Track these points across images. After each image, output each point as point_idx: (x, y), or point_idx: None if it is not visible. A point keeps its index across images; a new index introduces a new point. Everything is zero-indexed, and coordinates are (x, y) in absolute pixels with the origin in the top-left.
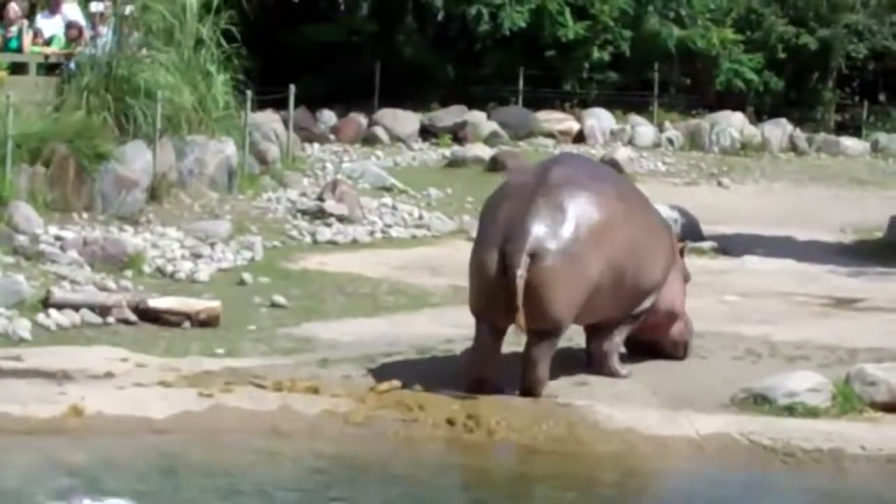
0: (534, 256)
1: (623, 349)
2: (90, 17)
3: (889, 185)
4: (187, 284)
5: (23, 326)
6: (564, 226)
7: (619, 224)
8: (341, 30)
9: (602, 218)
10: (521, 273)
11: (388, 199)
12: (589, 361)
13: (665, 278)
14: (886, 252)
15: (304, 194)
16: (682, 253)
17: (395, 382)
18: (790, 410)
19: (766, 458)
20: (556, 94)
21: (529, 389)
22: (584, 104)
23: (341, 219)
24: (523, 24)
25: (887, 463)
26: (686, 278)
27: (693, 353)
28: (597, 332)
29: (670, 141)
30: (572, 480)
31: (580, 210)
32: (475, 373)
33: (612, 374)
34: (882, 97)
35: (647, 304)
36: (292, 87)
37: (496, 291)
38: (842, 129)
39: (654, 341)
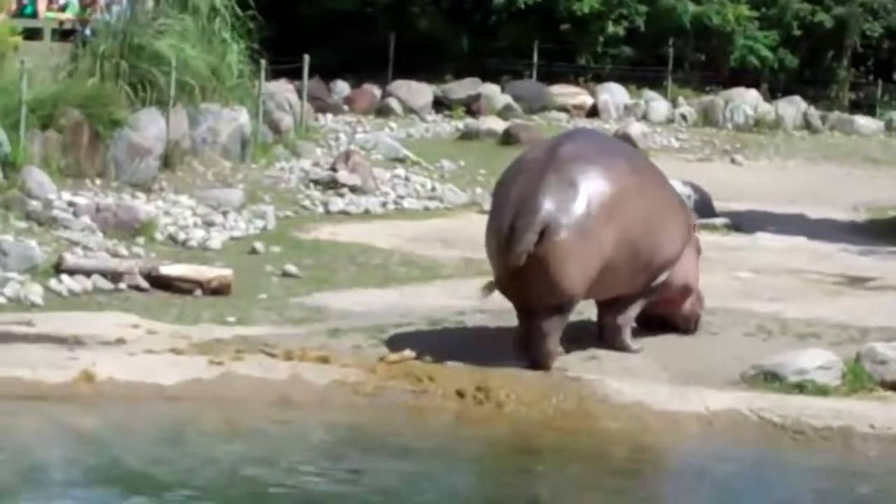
0: (545, 232)
1: (635, 324)
2: None
3: None
4: (199, 252)
5: (35, 292)
6: (575, 200)
7: (632, 198)
8: (356, 0)
9: (614, 192)
10: (521, 249)
11: (400, 171)
12: (600, 335)
13: (680, 253)
14: None
15: (316, 164)
16: (694, 227)
17: (406, 353)
18: (800, 388)
19: (775, 435)
20: (570, 68)
21: (538, 362)
22: (599, 79)
23: (354, 189)
24: None
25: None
26: (700, 252)
27: (704, 329)
28: (611, 305)
29: (684, 117)
30: (580, 454)
31: (591, 184)
32: (521, 354)
33: (624, 348)
34: None
35: (662, 278)
36: (306, 57)
37: (503, 267)
38: (856, 107)
39: (666, 315)
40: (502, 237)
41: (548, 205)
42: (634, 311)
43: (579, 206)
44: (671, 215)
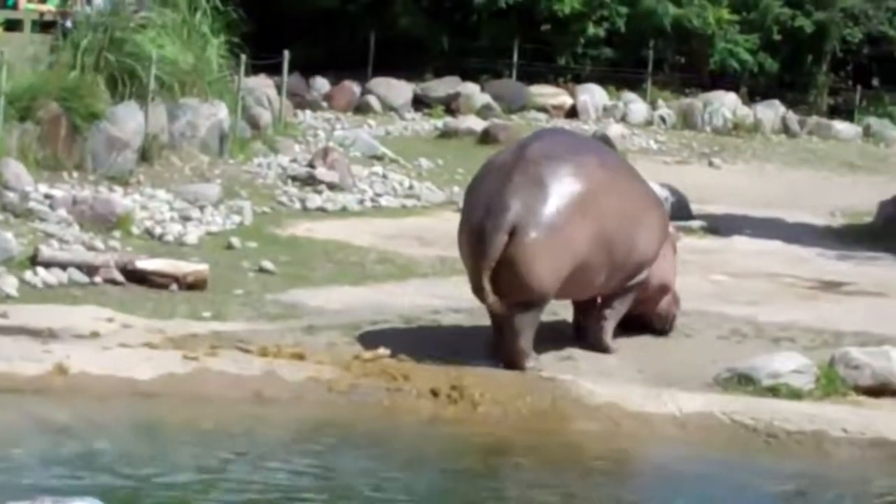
0: (514, 232)
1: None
2: None
3: (880, 170)
4: (175, 247)
5: (10, 283)
6: (543, 199)
7: (603, 196)
8: None
9: (583, 190)
10: (493, 253)
11: (378, 168)
12: (576, 335)
13: (658, 251)
14: (875, 236)
15: (294, 160)
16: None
17: (381, 351)
18: (774, 391)
19: (748, 438)
20: (550, 68)
21: (511, 361)
22: (578, 79)
23: (331, 186)
24: None
25: (869, 447)
26: (676, 251)
27: (679, 331)
28: (596, 306)
29: (663, 119)
30: (552, 454)
31: (559, 183)
32: (492, 353)
33: (604, 349)
34: (875, 82)
35: (642, 276)
36: (286, 53)
37: (473, 270)
38: (834, 112)
39: (642, 314)
40: (473, 239)
41: (516, 205)
42: (619, 311)
43: (547, 205)
44: (646, 213)
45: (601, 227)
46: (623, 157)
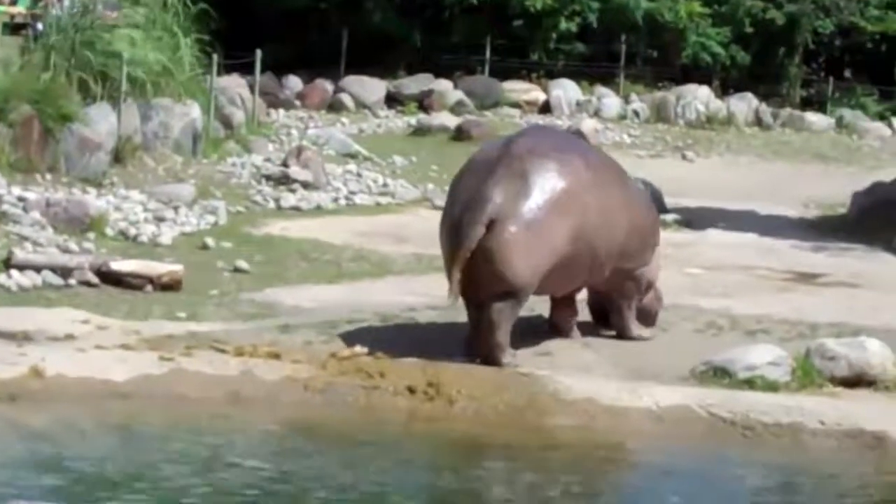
0: (492, 224)
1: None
2: None
3: (853, 161)
4: (150, 248)
5: None
6: (524, 194)
7: (586, 194)
8: None
9: (566, 187)
10: (468, 244)
11: (352, 166)
12: (551, 330)
13: (645, 248)
14: (849, 228)
15: (268, 160)
16: None
17: (357, 349)
18: (750, 384)
19: (725, 431)
20: (522, 64)
21: (488, 356)
22: (551, 75)
23: (305, 185)
24: None
25: (846, 438)
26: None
27: (655, 325)
28: (610, 310)
29: (636, 113)
30: (530, 449)
31: (542, 179)
32: (469, 349)
33: (634, 338)
34: (848, 73)
35: (640, 271)
36: (258, 52)
37: (449, 257)
38: (807, 104)
39: None
40: (452, 231)
41: (496, 198)
42: (631, 309)
43: (528, 200)
44: (630, 212)
45: (582, 225)
46: (606, 155)
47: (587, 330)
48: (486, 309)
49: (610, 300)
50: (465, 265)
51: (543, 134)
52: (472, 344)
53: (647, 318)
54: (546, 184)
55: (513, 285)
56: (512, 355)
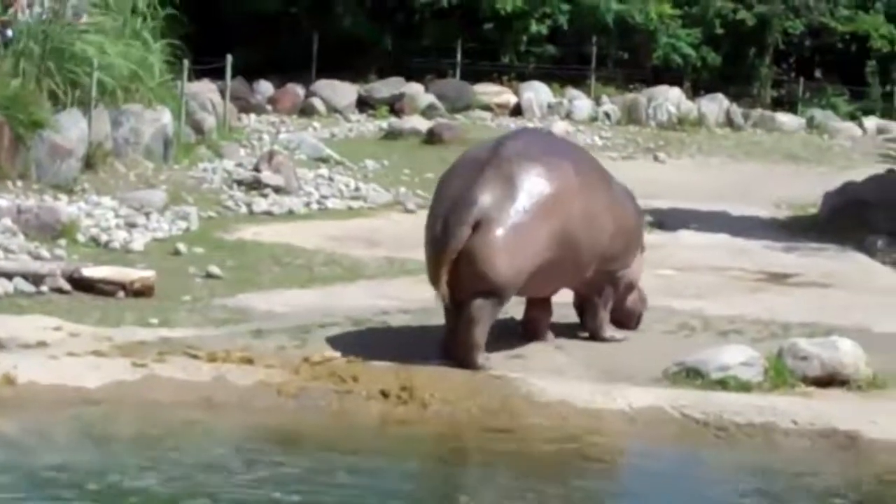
0: (478, 225)
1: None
2: None
3: (824, 161)
4: (122, 254)
5: None
6: (511, 196)
7: (572, 197)
8: (279, 0)
9: (553, 191)
10: (454, 244)
11: (324, 171)
12: (524, 333)
13: (629, 250)
14: (820, 228)
15: (240, 165)
16: None
17: (330, 353)
18: (722, 384)
19: (698, 431)
20: (493, 66)
21: (463, 356)
22: (522, 77)
23: (277, 190)
24: None
25: (819, 437)
26: (643, 249)
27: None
28: (583, 310)
29: (607, 115)
30: (503, 453)
31: (529, 182)
32: (446, 350)
33: (609, 340)
34: (818, 73)
35: (619, 273)
36: (229, 57)
37: (433, 258)
38: (778, 104)
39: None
40: (437, 231)
41: (482, 199)
42: (605, 309)
43: (514, 202)
44: (616, 215)
45: (567, 229)
46: (594, 159)
47: (560, 332)
48: (465, 307)
49: (586, 301)
50: (434, 265)
51: (533, 137)
52: (449, 346)
53: (631, 319)
54: (533, 187)
55: (495, 286)
56: (486, 358)
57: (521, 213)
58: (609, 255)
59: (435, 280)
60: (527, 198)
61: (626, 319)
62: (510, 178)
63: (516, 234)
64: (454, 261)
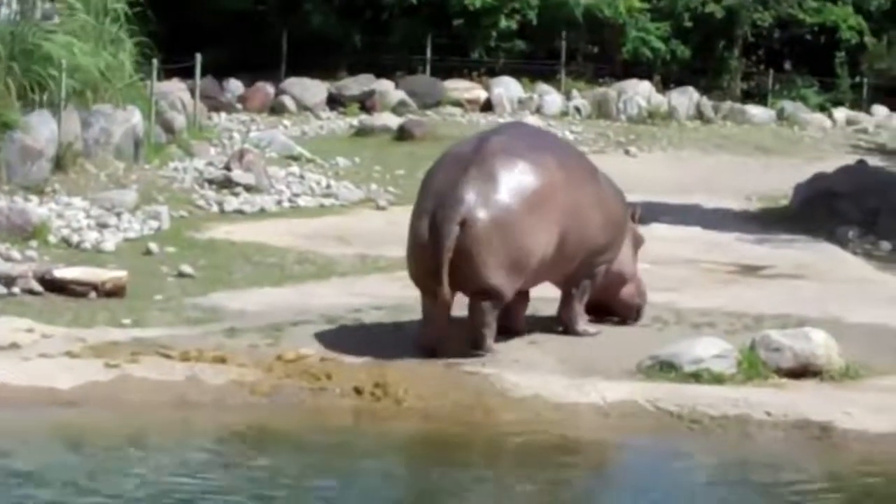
0: (464, 223)
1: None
2: None
3: (794, 153)
4: (93, 254)
5: None
6: (497, 193)
7: (558, 191)
8: None
9: (538, 186)
10: (448, 243)
11: (295, 169)
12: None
13: (614, 242)
14: (791, 219)
15: (211, 164)
16: (633, 218)
17: (303, 351)
18: (696, 377)
19: (672, 424)
20: (463, 62)
21: (473, 346)
22: (492, 73)
23: (248, 188)
24: None
25: (792, 429)
26: (640, 242)
27: (601, 320)
28: (562, 296)
29: (578, 109)
30: (478, 448)
31: (514, 178)
32: (423, 342)
33: (581, 335)
34: (787, 65)
35: (600, 266)
36: (199, 56)
37: (426, 258)
38: (748, 97)
39: (606, 303)
40: (424, 230)
41: (468, 196)
42: (580, 301)
43: (499, 198)
44: (602, 207)
45: (553, 223)
46: (579, 152)
47: (533, 326)
48: (469, 311)
49: (563, 293)
50: (432, 266)
51: (517, 132)
52: (423, 340)
53: (630, 312)
54: (518, 183)
55: (488, 285)
56: (492, 351)
57: (506, 209)
58: (595, 247)
59: (430, 277)
60: (510, 194)
61: (626, 311)
62: (494, 174)
63: (504, 231)
64: (436, 264)
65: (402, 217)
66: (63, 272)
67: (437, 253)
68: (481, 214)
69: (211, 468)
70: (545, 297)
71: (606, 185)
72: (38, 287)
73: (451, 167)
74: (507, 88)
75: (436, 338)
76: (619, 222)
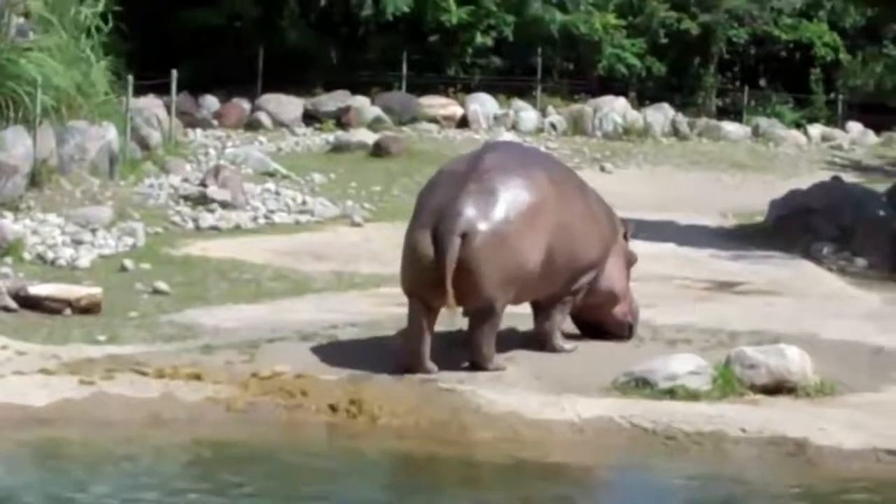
0: (465, 237)
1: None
2: None
3: (769, 170)
4: (68, 271)
5: None
6: (495, 208)
7: (550, 207)
8: (223, 14)
9: (532, 201)
10: (451, 255)
11: (271, 185)
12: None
13: (601, 259)
14: (767, 236)
15: (186, 180)
16: (625, 236)
17: (278, 368)
18: (671, 394)
19: (647, 441)
20: (439, 79)
21: (477, 367)
22: (468, 89)
23: (224, 204)
24: (406, 9)
25: (767, 445)
26: (632, 260)
27: (576, 337)
28: (538, 312)
29: (553, 126)
30: (453, 465)
31: (511, 193)
32: (407, 352)
33: (556, 351)
34: (763, 82)
35: (583, 282)
36: (174, 72)
37: (427, 271)
38: (723, 113)
39: (599, 322)
40: (425, 244)
41: (468, 210)
42: (562, 315)
43: (498, 214)
44: (591, 223)
45: (545, 238)
46: (569, 170)
47: (509, 343)
48: (469, 328)
49: (545, 307)
50: (435, 278)
51: (511, 149)
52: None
53: (622, 328)
54: (514, 199)
55: (487, 299)
56: (495, 365)
57: (503, 223)
58: (583, 263)
59: (420, 288)
60: (508, 209)
61: (618, 329)
62: (492, 190)
63: (502, 246)
64: (441, 276)
65: (377, 233)
66: (38, 289)
67: (441, 265)
68: (482, 227)
69: (183, 485)
70: (520, 313)
71: (596, 201)
72: (12, 304)
73: (449, 183)
74: (483, 105)
75: (418, 350)
76: (607, 238)
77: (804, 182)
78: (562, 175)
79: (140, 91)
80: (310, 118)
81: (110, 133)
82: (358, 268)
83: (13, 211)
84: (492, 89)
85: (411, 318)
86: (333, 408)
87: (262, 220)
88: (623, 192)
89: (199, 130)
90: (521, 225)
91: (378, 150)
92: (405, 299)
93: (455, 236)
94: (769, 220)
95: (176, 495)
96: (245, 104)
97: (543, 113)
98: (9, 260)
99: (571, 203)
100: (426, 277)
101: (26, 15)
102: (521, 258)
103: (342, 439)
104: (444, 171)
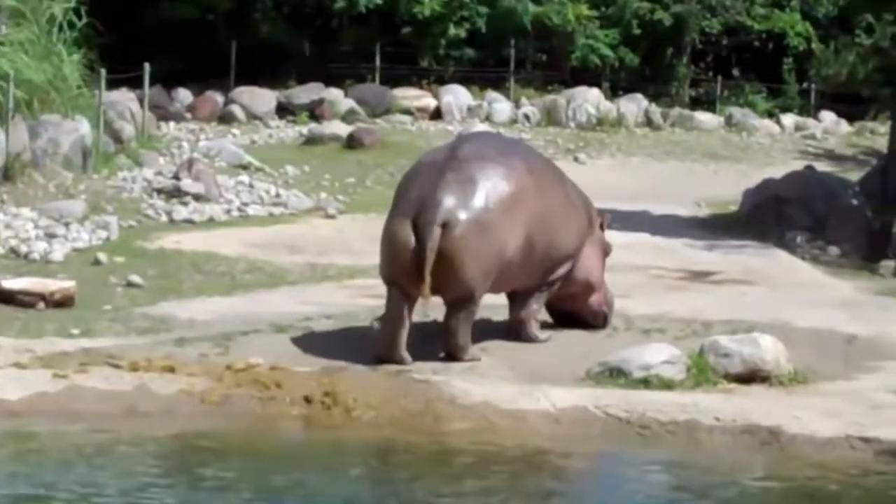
0: (445, 226)
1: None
2: None
3: (743, 159)
4: (42, 265)
5: None
6: (474, 197)
7: (528, 196)
8: (196, 7)
9: (511, 190)
10: (431, 244)
11: (244, 178)
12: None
13: (578, 249)
14: (740, 225)
15: (159, 173)
16: (602, 226)
17: (252, 360)
18: (645, 383)
19: (621, 430)
20: (413, 70)
21: (452, 357)
22: (442, 81)
23: (198, 197)
24: (379, 1)
25: (741, 433)
26: (607, 250)
27: (550, 326)
28: (513, 301)
29: (527, 117)
30: (427, 456)
31: (489, 183)
32: (385, 341)
33: (531, 340)
34: (735, 72)
35: (560, 272)
36: (147, 66)
37: (407, 260)
38: (696, 103)
39: (574, 311)
40: (406, 232)
41: (448, 201)
42: (538, 303)
43: (477, 203)
44: (568, 213)
45: (523, 227)
46: (547, 159)
47: (483, 333)
48: (445, 315)
49: (521, 296)
50: (416, 267)
51: (488, 139)
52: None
53: (597, 318)
54: (493, 188)
55: (466, 288)
56: (471, 355)
57: (483, 212)
58: (560, 253)
59: (400, 276)
60: (487, 198)
61: (593, 318)
62: (471, 179)
63: (481, 235)
64: (420, 266)
65: (351, 225)
66: (11, 283)
67: (422, 254)
68: (462, 216)
69: (158, 477)
70: (494, 304)
71: (573, 191)
72: None
73: (428, 173)
74: (457, 96)
75: (395, 339)
76: (584, 228)
77: (777, 171)
78: (540, 165)
79: (113, 84)
80: (283, 111)
81: (83, 127)
82: (332, 259)
83: None
84: (465, 81)
85: (390, 307)
86: (308, 399)
87: (235, 213)
88: (597, 182)
89: (172, 123)
90: (500, 214)
91: (352, 142)
92: (380, 291)
93: (435, 226)
94: (743, 209)
95: (150, 488)
96: (218, 97)
97: (517, 104)
98: None
99: (550, 192)
100: (406, 266)
101: None
102: (501, 247)
103: (317, 431)
104: (423, 161)
